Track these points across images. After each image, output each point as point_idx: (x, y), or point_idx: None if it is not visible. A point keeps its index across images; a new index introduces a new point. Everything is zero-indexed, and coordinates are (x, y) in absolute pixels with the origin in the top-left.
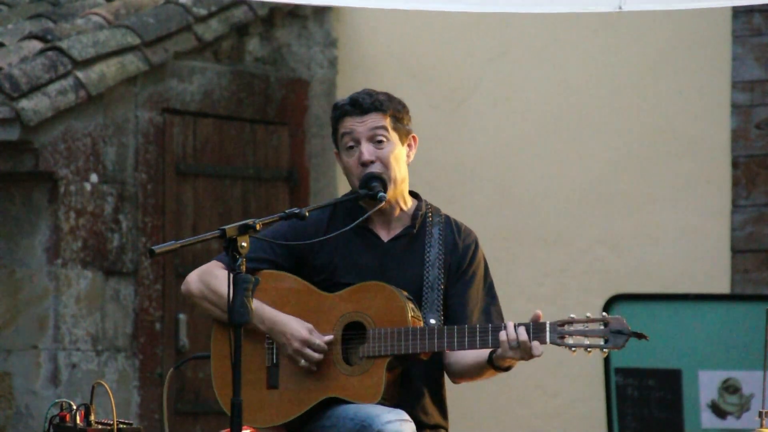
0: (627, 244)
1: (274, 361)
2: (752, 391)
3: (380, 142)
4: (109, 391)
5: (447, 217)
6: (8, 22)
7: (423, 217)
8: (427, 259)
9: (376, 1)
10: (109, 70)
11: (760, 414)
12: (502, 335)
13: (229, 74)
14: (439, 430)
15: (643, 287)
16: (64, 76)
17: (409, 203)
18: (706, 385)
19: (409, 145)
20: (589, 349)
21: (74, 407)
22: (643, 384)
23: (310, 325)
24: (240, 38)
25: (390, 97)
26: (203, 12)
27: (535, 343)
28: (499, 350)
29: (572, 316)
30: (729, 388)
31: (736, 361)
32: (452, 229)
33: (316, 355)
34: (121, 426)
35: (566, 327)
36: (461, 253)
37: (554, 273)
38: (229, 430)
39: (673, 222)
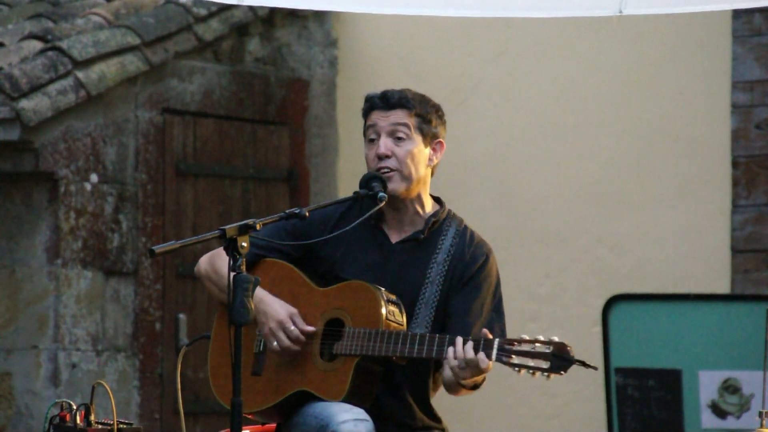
0: (627, 244)
1: (261, 348)
2: (752, 391)
3: (400, 138)
4: (109, 391)
5: (465, 228)
6: (8, 22)
7: (438, 224)
8: (429, 275)
9: (376, 7)
10: (109, 70)
11: (760, 414)
12: (450, 351)
13: (229, 74)
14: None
15: (643, 287)
16: (64, 76)
17: (428, 207)
18: (706, 385)
19: (434, 149)
20: (532, 371)
21: (74, 407)
22: (643, 384)
23: (294, 310)
24: (240, 38)
25: (423, 99)
26: (203, 12)
27: (481, 355)
28: (449, 366)
29: (523, 336)
30: (729, 388)
31: (736, 361)
32: (464, 241)
33: (287, 341)
34: (121, 426)
35: (514, 346)
36: (467, 262)
37: (554, 273)
38: (228, 430)
39: (673, 222)
